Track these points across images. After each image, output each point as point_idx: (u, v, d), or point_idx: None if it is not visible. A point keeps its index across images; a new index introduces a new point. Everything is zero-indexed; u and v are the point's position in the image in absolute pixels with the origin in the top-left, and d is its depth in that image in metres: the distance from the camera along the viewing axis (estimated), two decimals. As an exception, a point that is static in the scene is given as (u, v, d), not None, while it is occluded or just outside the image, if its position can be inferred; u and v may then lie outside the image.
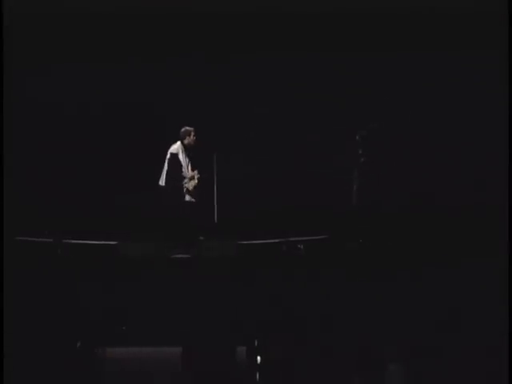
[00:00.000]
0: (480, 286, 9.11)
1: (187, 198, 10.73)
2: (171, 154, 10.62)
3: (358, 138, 10.99)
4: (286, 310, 8.48)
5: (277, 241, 10.25)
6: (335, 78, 12.59)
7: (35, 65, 12.11)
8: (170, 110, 12.21)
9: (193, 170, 10.74)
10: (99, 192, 12.38)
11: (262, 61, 12.62)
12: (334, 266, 9.47)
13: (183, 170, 10.69)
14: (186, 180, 10.68)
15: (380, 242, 10.93)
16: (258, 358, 7.98)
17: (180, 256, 9.82)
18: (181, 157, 10.68)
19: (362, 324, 8.39)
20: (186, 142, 10.67)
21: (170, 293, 8.97)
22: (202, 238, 10.56)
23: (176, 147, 10.65)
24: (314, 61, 12.61)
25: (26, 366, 7.48)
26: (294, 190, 12.08)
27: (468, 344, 7.93)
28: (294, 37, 12.41)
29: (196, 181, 10.69)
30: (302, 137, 12.23)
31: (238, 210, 13.07)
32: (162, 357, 8.69)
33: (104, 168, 12.60)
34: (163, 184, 10.62)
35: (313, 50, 12.56)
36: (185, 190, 10.70)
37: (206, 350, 8.26)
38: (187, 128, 10.73)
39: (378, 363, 7.54)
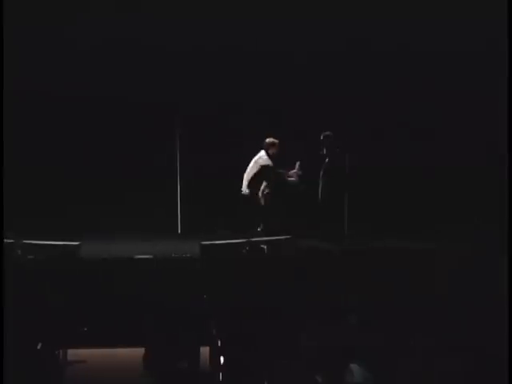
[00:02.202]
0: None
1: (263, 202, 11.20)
2: (265, 166, 10.96)
3: (322, 137, 11.18)
4: (250, 310, 8.47)
5: (240, 241, 10.24)
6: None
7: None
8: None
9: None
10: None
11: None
12: (297, 266, 9.50)
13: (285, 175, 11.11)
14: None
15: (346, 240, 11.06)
16: (221, 358, 7.96)
17: (142, 256, 9.77)
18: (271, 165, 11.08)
19: (327, 324, 8.41)
20: (270, 152, 11.05)
21: (132, 293, 8.92)
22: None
23: (266, 158, 11.03)
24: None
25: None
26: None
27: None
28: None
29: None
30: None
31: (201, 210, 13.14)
32: (124, 357, 8.66)
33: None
34: (246, 192, 11.11)
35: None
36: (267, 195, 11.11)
37: (169, 351, 8.24)
38: (273, 139, 11.02)
39: (340, 362, 7.55)
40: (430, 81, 12.99)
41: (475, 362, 7.48)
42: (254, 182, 11.01)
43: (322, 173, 11.32)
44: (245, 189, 11.10)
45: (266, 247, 10.38)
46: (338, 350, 7.81)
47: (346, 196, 11.63)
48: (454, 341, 7.93)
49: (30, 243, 9.76)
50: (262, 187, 11.12)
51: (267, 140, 11.08)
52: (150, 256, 9.81)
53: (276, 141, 11.07)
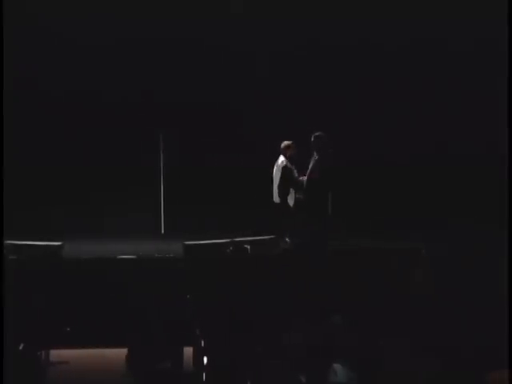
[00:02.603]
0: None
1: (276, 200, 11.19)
2: (285, 168, 11.04)
3: (312, 138, 11.25)
4: (234, 309, 8.46)
5: (223, 241, 10.23)
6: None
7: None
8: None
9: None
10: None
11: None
12: (280, 266, 9.51)
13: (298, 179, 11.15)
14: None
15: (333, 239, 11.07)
16: (205, 358, 7.95)
17: (125, 257, 9.74)
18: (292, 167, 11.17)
19: (311, 323, 8.42)
20: (288, 154, 11.15)
21: (115, 293, 8.89)
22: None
23: (283, 160, 11.13)
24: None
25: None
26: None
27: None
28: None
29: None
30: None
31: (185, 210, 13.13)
32: (107, 358, 8.63)
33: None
34: (278, 200, 11.06)
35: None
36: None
37: (152, 351, 8.21)
38: (288, 143, 11.16)
39: (325, 362, 7.56)
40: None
41: (456, 362, 7.52)
42: (282, 187, 11.08)
43: (309, 172, 11.31)
44: (276, 197, 11.15)
45: (249, 247, 10.37)
46: (322, 349, 7.82)
47: (330, 195, 11.59)
48: (435, 341, 7.97)
49: (12, 243, 9.72)
50: (291, 192, 11.15)
51: (282, 144, 11.19)
52: (133, 256, 9.78)
53: (290, 142, 11.16)
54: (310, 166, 11.02)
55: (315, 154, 11.09)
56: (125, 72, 12.85)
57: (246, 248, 10.34)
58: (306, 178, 11.06)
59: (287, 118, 12.60)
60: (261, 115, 12.61)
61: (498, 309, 8.41)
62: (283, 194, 11.06)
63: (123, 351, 8.40)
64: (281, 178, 11.08)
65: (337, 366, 7.45)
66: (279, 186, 11.07)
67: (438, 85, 13.03)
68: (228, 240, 10.25)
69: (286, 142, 11.22)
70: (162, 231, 13.30)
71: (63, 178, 12.99)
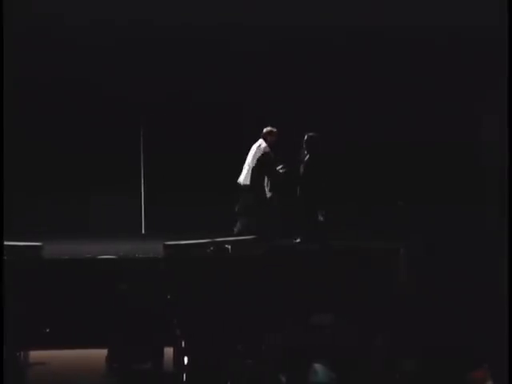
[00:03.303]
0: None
1: (269, 194, 11.01)
2: (265, 153, 10.89)
3: (305, 138, 11.24)
4: (215, 310, 8.46)
5: (204, 241, 10.20)
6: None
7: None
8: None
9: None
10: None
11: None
12: (261, 266, 9.51)
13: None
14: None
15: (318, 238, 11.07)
16: (185, 358, 7.94)
17: (106, 257, 9.70)
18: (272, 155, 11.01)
19: (292, 324, 8.43)
20: (269, 140, 11.03)
21: (95, 294, 8.86)
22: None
23: (265, 146, 10.97)
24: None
25: None
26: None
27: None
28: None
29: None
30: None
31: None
32: (87, 359, 8.60)
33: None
34: (248, 183, 10.86)
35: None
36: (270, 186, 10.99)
37: (132, 351, 8.20)
38: (271, 128, 11.03)
39: (302, 362, 7.57)
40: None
41: (436, 362, 7.55)
42: (256, 171, 10.90)
43: (301, 170, 11.27)
44: (245, 179, 11.00)
45: (230, 247, 10.35)
46: (303, 349, 7.84)
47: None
48: (416, 341, 8.00)
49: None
50: (266, 180, 10.99)
51: (265, 129, 11.07)
52: (114, 256, 9.74)
53: (274, 129, 11.06)
54: (303, 166, 11.01)
55: (305, 153, 11.09)
56: (105, 68, 12.69)
57: (227, 248, 10.31)
58: (283, 171, 11.01)
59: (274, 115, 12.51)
60: (248, 114, 12.51)
61: (481, 309, 8.47)
62: (255, 178, 10.92)
63: (103, 352, 8.38)
64: (258, 161, 10.94)
65: (317, 366, 7.47)
66: (253, 169, 10.93)
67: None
68: (209, 240, 10.22)
69: (269, 128, 11.12)
70: (143, 231, 13.25)
71: (42, 177, 12.90)
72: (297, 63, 12.73)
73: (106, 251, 10.00)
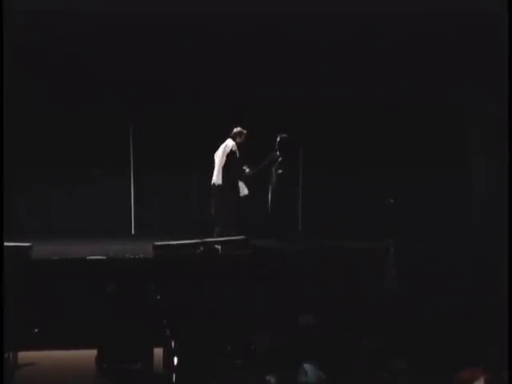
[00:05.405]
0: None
1: (245, 192, 11.19)
2: (232, 151, 11.01)
3: (278, 140, 11.36)
4: (204, 310, 8.45)
5: (194, 242, 10.21)
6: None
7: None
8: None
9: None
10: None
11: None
12: (250, 266, 9.52)
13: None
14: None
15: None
16: (175, 359, 7.93)
17: (96, 257, 9.69)
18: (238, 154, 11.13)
19: (282, 324, 8.43)
20: (237, 140, 11.12)
21: (85, 294, 8.84)
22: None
23: (233, 144, 11.07)
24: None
25: None
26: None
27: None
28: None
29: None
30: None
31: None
32: (76, 359, 8.58)
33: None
34: (220, 182, 10.93)
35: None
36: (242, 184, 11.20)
37: (122, 352, 8.19)
38: (241, 129, 11.14)
39: (292, 363, 7.57)
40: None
41: (425, 362, 7.57)
42: (225, 171, 10.96)
43: (273, 173, 11.39)
44: (215, 179, 10.99)
45: (220, 248, 10.36)
46: (292, 350, 7.84)
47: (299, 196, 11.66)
48: (405, 341, 8.02)
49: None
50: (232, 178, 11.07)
51: (235, 129, 11.12)
52: (103, 257, 9.73)
53: (244, 131, 11.13)
54: (275, 166, 11.14)
55: (278, 154, 11.25)
56: (91, 70, 12.62)
57: (217, 248, 10.33)
58: (248, 170, 11.11)
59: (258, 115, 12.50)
60: (234, 112, 12.49)
61: (473, 308, 8.49)
62: (226, 176, 10.98)
63: (93, 352, 8.37)
64: (227, 160, 11.00)
65: (307, 366, 7.47)
66: (223, 168, 10.98)
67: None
68: (198, 240, 10.23)
69: (239, 128, 11.19)
70: (133, 232, 13.24)
71: (31, 177, 12.87)
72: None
73: (96, 252, 9.99)
